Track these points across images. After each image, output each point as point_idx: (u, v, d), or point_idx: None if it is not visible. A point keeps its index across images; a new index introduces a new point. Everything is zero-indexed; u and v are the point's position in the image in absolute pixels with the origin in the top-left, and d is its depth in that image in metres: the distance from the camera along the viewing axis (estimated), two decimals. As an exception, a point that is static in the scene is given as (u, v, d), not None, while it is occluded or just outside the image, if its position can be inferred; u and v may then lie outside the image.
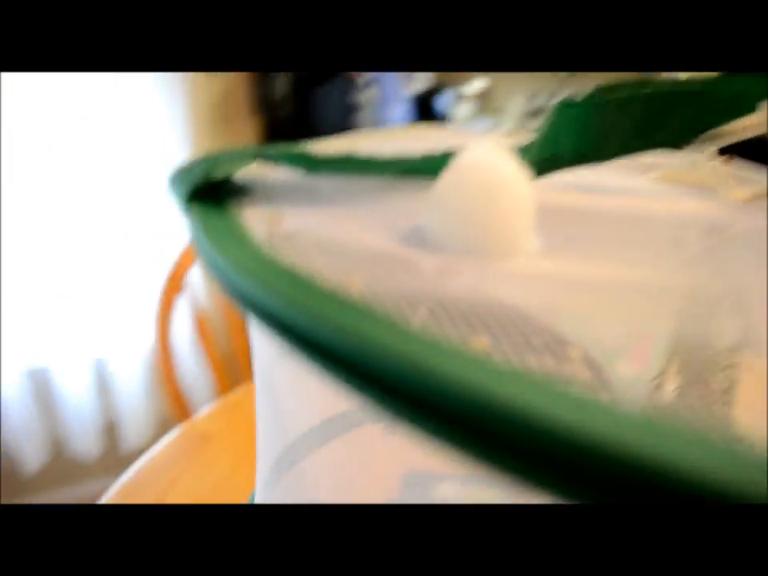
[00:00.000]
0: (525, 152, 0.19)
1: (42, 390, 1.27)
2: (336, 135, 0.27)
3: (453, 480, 0.55)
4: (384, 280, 0.15)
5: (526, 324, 0.14)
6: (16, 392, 1.22)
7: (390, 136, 0.30)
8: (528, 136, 0.21)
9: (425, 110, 1.28)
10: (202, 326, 0.92)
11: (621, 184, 0.24)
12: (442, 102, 1.28)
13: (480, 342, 0.13)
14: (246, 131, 1.36)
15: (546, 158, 0.20)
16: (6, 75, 1.04)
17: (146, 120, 1.21)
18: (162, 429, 1.40)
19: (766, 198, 0.21)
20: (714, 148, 0.20)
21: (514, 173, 0.15)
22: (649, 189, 0.24)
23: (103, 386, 1.34)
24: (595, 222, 0.20)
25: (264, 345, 0.19)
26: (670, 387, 0.14)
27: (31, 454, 1.28)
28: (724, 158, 0.23)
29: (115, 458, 1.40)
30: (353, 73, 1.24)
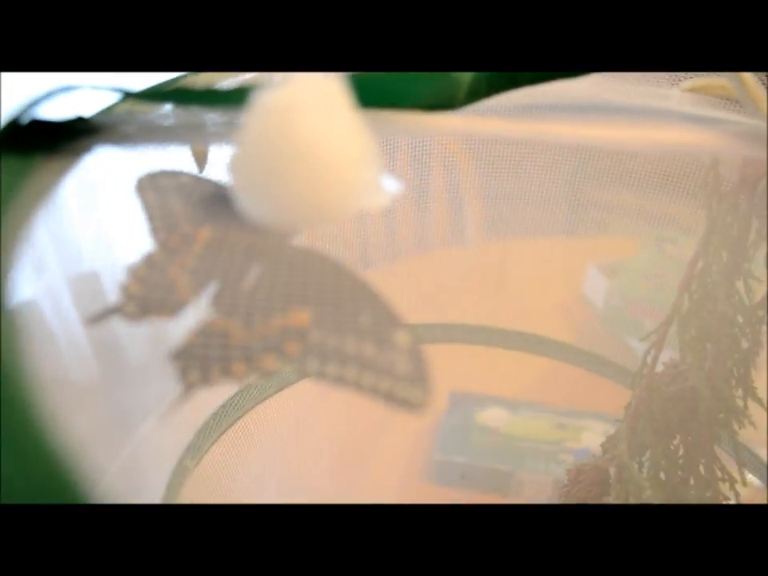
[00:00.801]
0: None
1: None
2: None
3: (500, 405, 0.55)
4: (229, 232, 0.13)
5: (361, 298, 0.12)
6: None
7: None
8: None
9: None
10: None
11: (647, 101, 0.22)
12: None
13: (300, 316, 0.12)
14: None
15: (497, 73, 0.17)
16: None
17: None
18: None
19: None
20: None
21: (326, 114, 0.11)
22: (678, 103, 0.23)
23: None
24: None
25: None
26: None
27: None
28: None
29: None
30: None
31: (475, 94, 0.17)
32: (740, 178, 0.23)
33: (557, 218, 0.53)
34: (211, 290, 0.13)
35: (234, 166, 0.12)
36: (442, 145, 0.62)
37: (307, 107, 0.11)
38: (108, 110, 0.16)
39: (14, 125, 0.14)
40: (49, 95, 0.14)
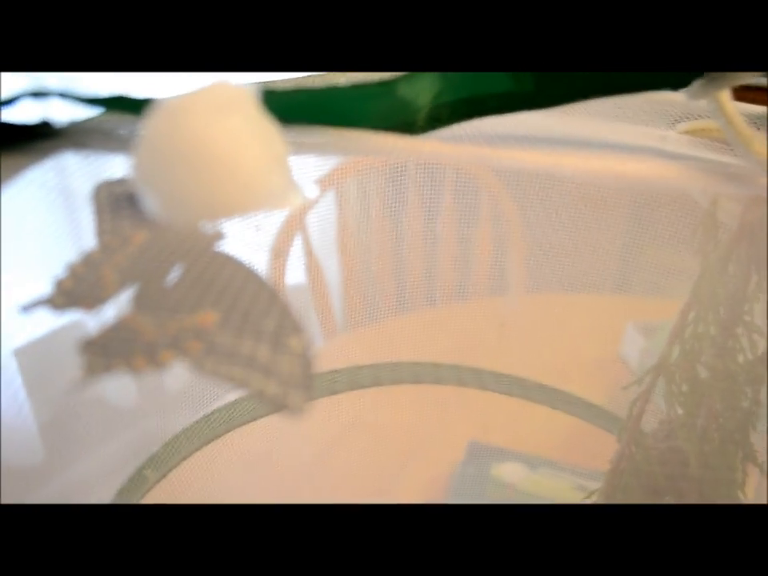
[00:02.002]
0: (409, 89, 0.16)
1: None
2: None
3: (519, 460, 0.53)
4: (162, 236, 0.14)
5: (266, 304, 0.12)
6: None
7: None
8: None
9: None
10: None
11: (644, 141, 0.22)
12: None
13: (207, 317, 0.12)
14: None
15: (461, 99, 0.17)
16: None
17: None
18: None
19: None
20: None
21: (224, 119, 0.12)
22: (673, 144, 0.22)
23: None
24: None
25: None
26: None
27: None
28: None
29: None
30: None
31: (437, 119, 0.17)
32: (739, 224, 0.22)
33: (606, 274, 0.52)
34: (133, 288, 0.13)
35: (135, 167, 0.12)
36: (488, 191, 0.62)
37: (202, 110, 0.11)
38: (75, 118, 0.17)
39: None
40: (16, 99, 0.15)
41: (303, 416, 0.10)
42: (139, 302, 0.13)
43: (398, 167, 0.52)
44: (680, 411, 0.22)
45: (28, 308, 0.14)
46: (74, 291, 0.14)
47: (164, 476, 0.27)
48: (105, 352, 0.12)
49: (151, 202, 0.12)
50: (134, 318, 0.13)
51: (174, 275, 0.13)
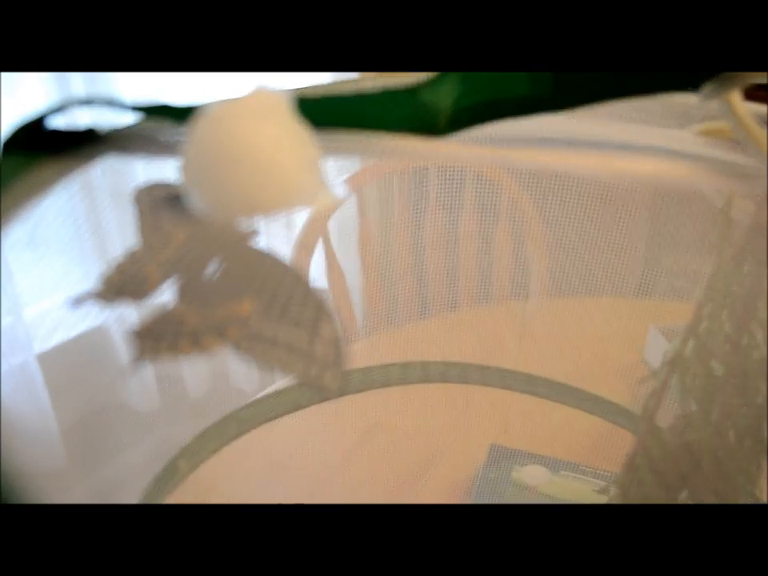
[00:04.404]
0: (428, 94, 0.17)
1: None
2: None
3: (541, 463, 0.53)
4: (202, 231, 0.15)
5: (303, 295, 0.13)
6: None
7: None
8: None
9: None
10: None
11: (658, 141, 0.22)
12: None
13: (244, 306, 0.13)
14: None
15: (480, 103, 0.18)
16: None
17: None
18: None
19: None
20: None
21: (262, 124, 0.13)
22: (688, 145, 0.22)
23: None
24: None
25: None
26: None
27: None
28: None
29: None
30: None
31: (458, 122, 0.18)
32: (752, 223, 0.22)
33: (628, 277, 0.52)
34: (177, 281, 0.15)
35: (183, 167, 0.13)
36: (508, 194, 0.63)
37: (244, 116, 0.13)
38: (118, 124, 0.18)
39: (23, 130, 0.16)
40: (62, 107, 0.16)
41: (337, 395, 0.11)
42: (183, 293, 0.14)
43: (419, 170, 0.53)
44: (695, 406, 0.22)
45: (77, 301, 0.15)
46: (121, 285, 0.15)
47: (195, 467, 0.29)
48: (153, 338, 0.13)
49: (197, 200, 0.13)
50: (179, 307, 0.14)
51: (214, 269, 0.14)
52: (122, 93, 1.02)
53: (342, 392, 0.12)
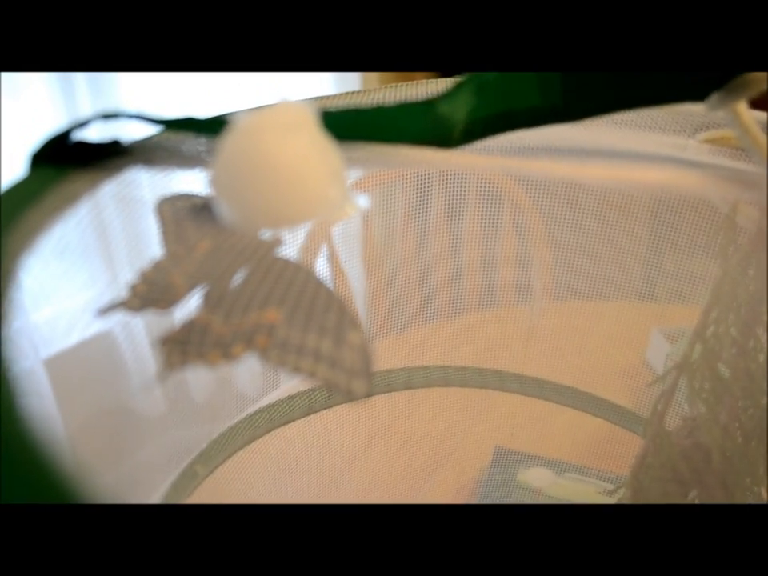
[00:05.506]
0: (445, 106, 0.18)
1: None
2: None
3: (546, 465, 0.54)
4: (225, 243, 0.15)
5: (326, 302, 0.14)
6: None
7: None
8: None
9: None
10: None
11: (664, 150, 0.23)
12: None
13: (272, 314, 0.13)
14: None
15: (493, 114, 0.18)
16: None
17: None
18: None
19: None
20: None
21: (293, 137, 0.13)
22: (694, 153, 0.22)
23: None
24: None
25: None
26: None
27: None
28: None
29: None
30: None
31: (471, 133, 0.18)
32: (758, 229, 0.23)
33: (631, 281, 0.52)
34: (202, 290, 0.15)
35: (213, 179, 0.14)
36: (511, 199, 0.63)
37: (272, 129, 0.13)
38: (143, 137, 0.18)
39: (51, 143, 0.16)
40: (89, 121, 0.17)
41: (365, 401, 0.12)
42: (209, 302, 0.14)
43: (422, 176, 0.53)
44: (702, 409, 0.23)
45: (104, 311, 0.15)
46: (147, 294, 0.15)
47: (211, 472, 0.29)
48: (181, 348, 0.14)
49: (226, 212, 0.14)
50: (205, 316, 0.14)
51: (239, 277, 0.15)
52: (123, 94, 1.02)
53: (369, 396, 0.12)
